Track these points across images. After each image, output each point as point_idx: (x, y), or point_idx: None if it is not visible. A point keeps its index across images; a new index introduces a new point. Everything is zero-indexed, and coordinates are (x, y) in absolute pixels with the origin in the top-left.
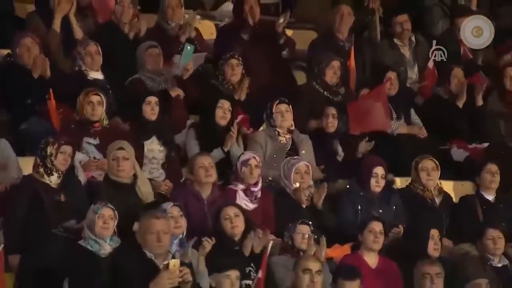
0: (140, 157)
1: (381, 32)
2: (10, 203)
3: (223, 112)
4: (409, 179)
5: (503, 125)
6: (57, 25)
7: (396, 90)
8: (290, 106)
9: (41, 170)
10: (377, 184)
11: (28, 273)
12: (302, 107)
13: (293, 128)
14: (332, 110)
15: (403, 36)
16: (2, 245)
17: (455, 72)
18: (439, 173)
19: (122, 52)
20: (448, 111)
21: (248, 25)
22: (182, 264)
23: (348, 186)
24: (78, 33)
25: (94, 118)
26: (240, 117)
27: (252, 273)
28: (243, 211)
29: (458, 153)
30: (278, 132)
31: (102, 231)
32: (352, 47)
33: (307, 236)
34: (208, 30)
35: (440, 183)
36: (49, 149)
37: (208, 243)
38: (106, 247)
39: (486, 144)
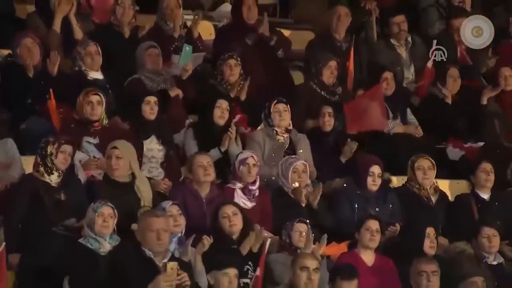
0: (139, 156)
1: (378, 32)
2: (10, 202)
3: (221, 111)
4: (405, 178)
5: (498, 124)
6: (57, 25)
7: (392, 90)
8: (288, 105)
9: (41, 169)
10: (373, 182)
11: (28, 271)
12: (299, 107)
13: (290, 127)
14: (328, 109)
15: (400, 37)
16: (4, 243)
17: (451, 72)
18: (435, 172)
19: (121, 52)
20: (444, 111)
21: (253, 30)
22: (182, 263)
23: (345, 185)
24: (78, 33)
25: (93, 118)
26: (238, 116)
27: (250, 271)
28: (241, 209)
29: (453, 152)
30: (276, 131)
31: (102, 230)
32: (352, 48)
33: (304, 234)
34: (206, 30)
35: (436, 182)
36: (49, 148)
37: (207, 241)
38: (105, 245)
39: (481, 143)
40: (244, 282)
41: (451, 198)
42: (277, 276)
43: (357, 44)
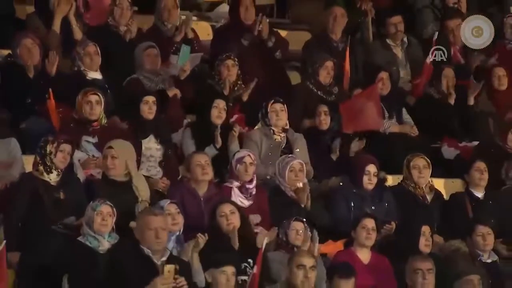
0: (138, 155)
1: (373, 33)
2: (10, 201)
3: (218, 111)
4: (401, 177)
5: (492, 123)
6: (56, 25)
7: (388, 90)
8: (285, 105)
9: (41, 168)
10: (369, 181)
11: (28, 270)
12: (296, 107)
13: (287, 127)
14: (323, 108)
15: (397, 37)
16: (4, 241)
17: (446, 72)
18: (430, 171)
19: (120, 52)
20: (439, 111)
21: (249, 30)
22: (180, 261)
23: (341, 184)
24: (78, 33)
25: (92, 117)
26: (235, 116)
27: (247, 269)
28: (239, 208)
29: (448, 151)
30: (273, 130)
31: (101, 228)
32: (348, 48)
33: (301, 232)
34: (204, 31)
35: (431, 181)
36: (49, 148)
37: (202, 239)
38: (104, 244)
39: (476, 143)
40: (241, 280)
41: (446, 196)
42: (274, 274)
43: (353, 45)
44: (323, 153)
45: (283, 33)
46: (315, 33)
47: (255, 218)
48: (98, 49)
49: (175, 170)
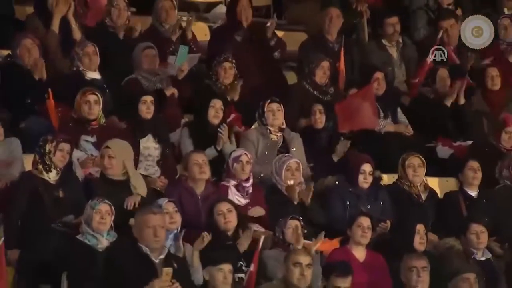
0: (136, 154)
1: (369, 33)
2: (10, 199)
3: (215, 111)
4: (396, 176)
5: (486, 123)
6: (55, 25)
7: (383, 90)
8: (281, 105)
9: (40, 166)
10: (365, 180)
11: (28, 267)
12: (292, 106)
13: (284, 126)
14: (318, 107)
15: (393, 37)
16: (3, 238)
17: (440, 72)
18: (425, 169)
19: (118, 53)
20: (433, 110)
21: (241, 27)
22: (177, 259)
23: (337, 182)
24: (77, 33)
25: (91, 117)
26: (232, 116)
27: (244, 266)
28: (236, 206)
29: (443, 151)
30: (270, 130)
31: (99, 226)
32: (342, 49)
33: (297, 230)
34: (201, 31)
35: (426, 180)
36: (48, 147)
37: (206, 238)
38: (103, 242)
39: (470, 142)
40: (238, 277)
41: (440, 195)
42: (270, 271)
43: (349, 45)
44: (319, 152)
45: (279, 33)
46: (311, 33)
47: (259, 211)
48: (97, 49)
49: (173, 169)
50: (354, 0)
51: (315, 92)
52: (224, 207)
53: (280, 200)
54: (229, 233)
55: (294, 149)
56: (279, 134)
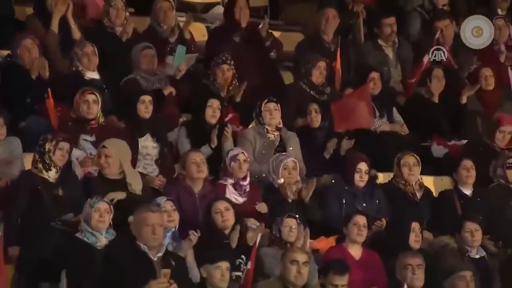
0: (134, 153)
1: (365, 33)
2: (10, 198)
3: (212, 111)
4: (391, 175)
5: (481, 122)
6: (55, 25)
7: (379, 90)
8: (278, 104)
9: (40, 165)
10: (361, 179)
11: (27, 265)
12: (289, 106)
13: (281, 125)
14: (314, 106)
15: (390, 38)
16: (1, 235)
17: (435, 72)
18: (420, 168)
19: (117, 53)
20: (428, 110)
21: (239, 27)
22: (176, 257)
23: (333, 181)
24: (76, 33)
25: (90, 116)
26: (230, 115)
27: (242, 264)
28: (233, 205)
29: (438, 150)
30: (267, 129)
31: (98, 224)
32: (338, 49)
33: (294, 229)
34: (199, 32)
35: (421, 178)
36: (47, 146)
37: (194, 236)
38: (102, 240)
39: (464, 141)
40: (236, 275)
41: (435, 194)
42: (267, 269)
43: (345, 45)
44: (315, 151)
45: (276, 34)
46: (307, 34)
47: (265, 207)
48: (96, 49)
49: (171, 168)
50: (351, 1)
51: (311, 92)
52: (221, 205)
53: (277, 198)
54: (227, 232)
55: (291, 148)
56: (276, 133)
